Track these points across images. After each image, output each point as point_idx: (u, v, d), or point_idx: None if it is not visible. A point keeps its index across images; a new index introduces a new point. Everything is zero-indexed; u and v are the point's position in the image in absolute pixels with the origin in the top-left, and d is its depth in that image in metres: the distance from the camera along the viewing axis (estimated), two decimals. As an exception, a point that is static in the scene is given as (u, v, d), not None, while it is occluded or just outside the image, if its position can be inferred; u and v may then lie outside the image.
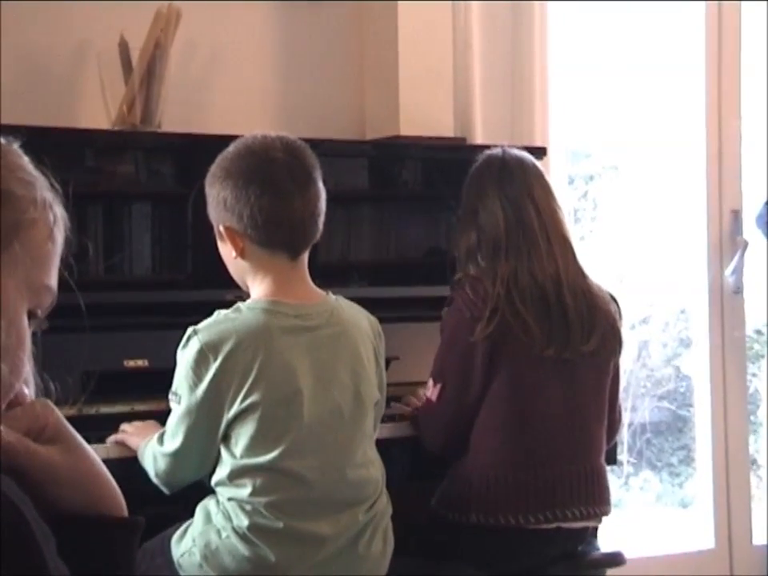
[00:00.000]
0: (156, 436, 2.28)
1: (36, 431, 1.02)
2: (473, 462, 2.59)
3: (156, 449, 2.26)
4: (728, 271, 3.99)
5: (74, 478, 1.02)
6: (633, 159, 4.16)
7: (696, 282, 4.05)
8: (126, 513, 1.05)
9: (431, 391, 2.60)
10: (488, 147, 2.85)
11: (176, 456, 2.22)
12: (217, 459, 2.22)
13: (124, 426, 2.44)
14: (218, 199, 2.24)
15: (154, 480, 2.27)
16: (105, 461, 2.45)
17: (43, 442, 1.02)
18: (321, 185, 2.27)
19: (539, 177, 2.72)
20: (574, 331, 2.60)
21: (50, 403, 1.05)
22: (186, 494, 2.27)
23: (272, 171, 2.21)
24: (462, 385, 2.58)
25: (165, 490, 2.28)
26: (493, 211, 2.65)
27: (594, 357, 2.64)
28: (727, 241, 4.01)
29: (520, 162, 2.72)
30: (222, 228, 2.26)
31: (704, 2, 3.99)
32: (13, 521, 0.84)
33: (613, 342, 2.67)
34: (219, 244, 2.30)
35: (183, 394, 2.19)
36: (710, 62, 4.00)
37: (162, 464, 2.25)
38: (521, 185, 2.68)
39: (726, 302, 4.01)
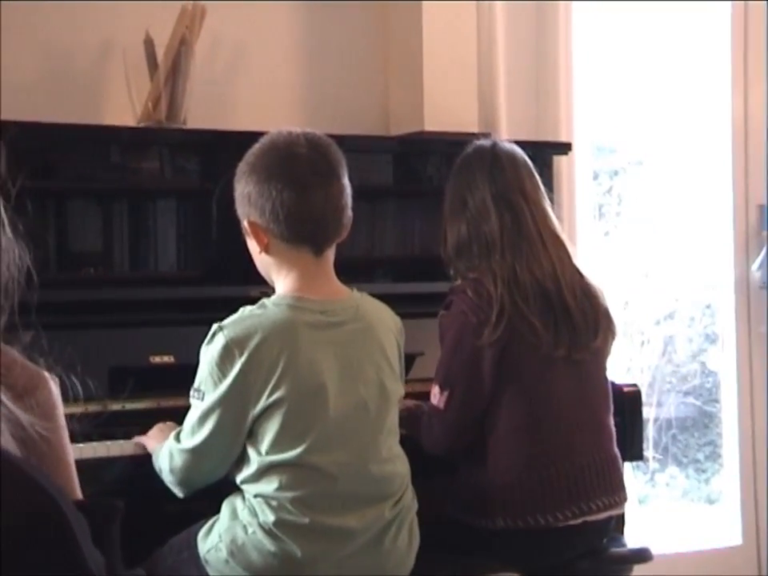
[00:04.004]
0: (173, 434, 2.28)
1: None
2: (493, 467, 2.57)
3: (173, 446, 2.26)
4: (754, 266, 3.98)
5: (56, 457, 1.02)
6: (658, 154, 4.14)
7: (722, 277, 4.03)
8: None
9: (438, 399, 2.58)
10: (514, 142, 2.84)
11: (195, 453, 2.22)
12: (242, 458, 2.21)
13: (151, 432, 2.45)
14: (243, 194, 2.25)
15: (167, 478, 2.26)
16: (131, 457, 2.48)
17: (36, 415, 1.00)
18: (346, 181, 2.26)
19: (530, 172, 2.70)
20: (579, 330, 2.60)
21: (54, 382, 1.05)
22: (212, 490, 2.27)
23: (294, 166, 2.21)
24: (471, 391, 2.56)
25: (177, 491, 2.27)
26: (484, 204, 2.63)
27: (598, 352, 2.65)
28: (753, 236, 3.99)
29: (511, 156, 2.69)
30: (246, 223, 2.27)
31: (730, 1, 3.97)
32: (50, 513, 0.84)
33: (612, 335, 2.70)
34: (247, 240, 2.31)
35: (207, 389, 2.19)
36: (735, 57, 3.98)
37: (179, 460, 2.24)
38: (512, 179, 2.65)
39: (753, 298, 3.99)
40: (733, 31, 3.98)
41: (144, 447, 2.41)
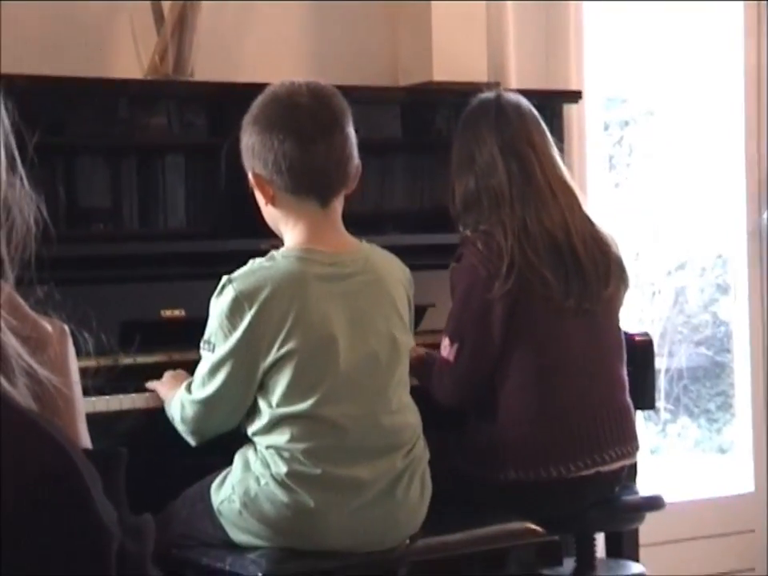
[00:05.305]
0: (184, 385, 2.29)
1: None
2: (504, 419, 2.57)
3: (184, 396, 2.27)
4: (766, 214, 3.95)
5: (70, 413, 1.02)
6: (669, 104, 4.11)
7: (733, 226, 4.01)
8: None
9: (448, 351, 2.57)
10: (523, 92, 2.82)
11: (205, 404, 2.23)
12: (253, 409, 2.22)
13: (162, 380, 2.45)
14: (248, 146, 2.25)
15: (179, 427, 2.28)
16: (143, 410, 2.49)
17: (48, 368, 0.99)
18: (350, 131, 2.25)
19: (536, 122, 2.68)
20: (590, 279, 2.59)
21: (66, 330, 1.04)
22: (225, 442, 2.28)
23: (295, 116, 2.21)
24: (481, 343, 2.56)
25: (189, 440, 2.28)
26: (492, 157, 2.62)
27: (610, 301, 2.64)
28: (765, 184, 3.97)
29: (517, 106, 2.67)
30: (251, 175, 2.26)
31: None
32: (62, 467, 0.83)
33: (624, 284, 2.69)
34: (255, 192, 2.30)
35: (218, 341, 2.19)
36: (748, 2, 3.94)
37: (190, 411, 2.25)
38: (519, 130, 2.63)
39: (765, 246, 3.97)
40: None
41: (156, 400, 2.42)
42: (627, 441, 2.66)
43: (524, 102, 2.70)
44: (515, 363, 2.57)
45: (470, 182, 2.64)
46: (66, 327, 1.04)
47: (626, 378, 2.69)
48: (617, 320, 2.71)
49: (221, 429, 2.27)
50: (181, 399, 2.28)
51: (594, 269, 2.61)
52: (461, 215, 2.67)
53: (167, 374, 2.44)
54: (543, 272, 2.54)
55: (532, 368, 2.57)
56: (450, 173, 2.71)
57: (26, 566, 0.80)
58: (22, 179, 0.97)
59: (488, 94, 2.71)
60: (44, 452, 0.83)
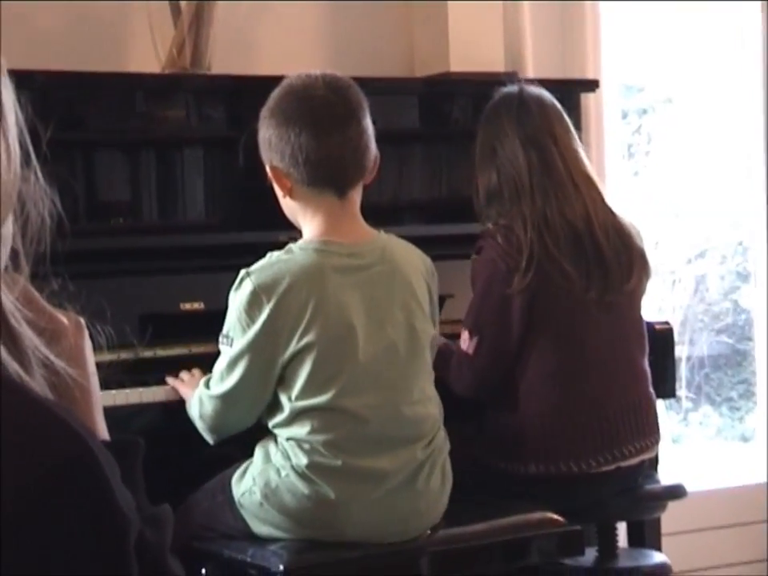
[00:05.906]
0: (203, 380, 2.29)
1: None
2: (524, 411, 2.57)
3: (203, 392, 2.26)
4: (787, 202, 3.94)
5: (87, 403, 1.02)
6: (687, 91, 4.09)
7: (754, 213, 4.00)
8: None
9: (467, 344, 2.58)
10: (540, 81, 2.82)
11: (224, 399, 2.22)
12: (273, 403, 2.22)
13: (183, 375, 2.45)
14: (264, 139, 2.26)
15: (199, 425, 2.27)
16: (163, 403, 2.50)
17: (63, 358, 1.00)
18: (366, 122, 2.25)
19: (559, 115, 2.68)
20: (612, 271, 2.58)
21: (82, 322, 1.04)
22: (245, 434, 2.28)
23: (311, 109, 2.21)
24: (500, 337, 2.56)
25: (209, 438, 2.28)
26: (513, 150, 2.62)
27: (633, 293, 2.63)
28: (786, 170, 3.95)
29: (539, 99, 2.67)
30: (269, 168, 2.26)
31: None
32: (79, 453, 0.84)
33: (647, 276, 2.68)
34: (273, 184, 2.30)
35: (236, 335, 2.19)
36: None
37: (209, 407, 2.25)
38: (541, 123, 2.63)
39: (785, 234, 3.95)
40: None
41: (176, 393, 2.42)
42: (648, 434, 2.65)
43: (546, 95, 2.70)
44: (536, 356, 2.57)
45: (492, 176, 2.64)
46: (82, 320, 1.05)
47: (648, 369, 2.68)
48: (639, 312, 2.70)
49: (239, 426, 2.26)
50: (200, 395, 2.27)
51: (617, 261, 2.60)
52: (484, 209, 2.68)
53: (186, 374, 2.44)
54: (563, 264, 2.54)
55: (552, 361, 2.57)
56: (474, 167, 2.71)
57: (45, 551, 0.80)
58: (36, 173, 0.97)
59: (510, 88, 2.71)
60: (61, 438, 0.84)
